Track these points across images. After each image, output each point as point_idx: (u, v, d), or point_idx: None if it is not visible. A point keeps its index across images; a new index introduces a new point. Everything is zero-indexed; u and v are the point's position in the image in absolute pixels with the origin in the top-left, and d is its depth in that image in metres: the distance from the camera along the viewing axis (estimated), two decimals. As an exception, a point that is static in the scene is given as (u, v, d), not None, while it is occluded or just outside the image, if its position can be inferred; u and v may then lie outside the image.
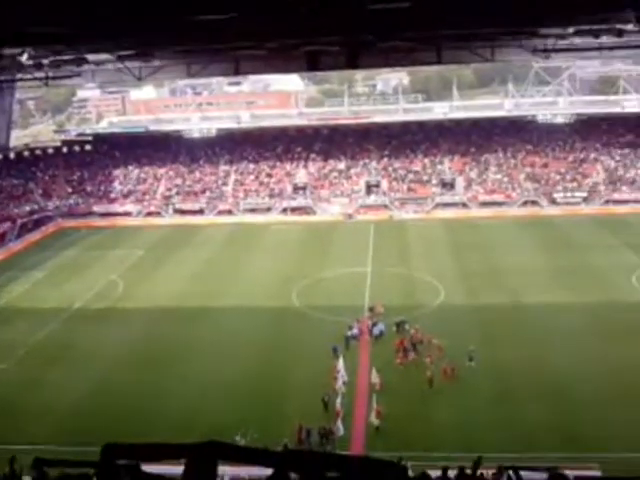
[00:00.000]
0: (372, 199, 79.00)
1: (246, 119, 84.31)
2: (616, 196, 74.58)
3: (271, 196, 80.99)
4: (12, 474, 10.58)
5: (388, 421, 29.41)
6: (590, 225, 66.62)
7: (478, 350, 35.53)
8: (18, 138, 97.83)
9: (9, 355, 39.86)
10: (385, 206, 77.57)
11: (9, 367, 38.46)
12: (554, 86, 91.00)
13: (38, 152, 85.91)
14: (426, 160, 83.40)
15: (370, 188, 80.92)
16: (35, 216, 76.62)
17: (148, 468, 6.44)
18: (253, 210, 79.71)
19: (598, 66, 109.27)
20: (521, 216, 72.11)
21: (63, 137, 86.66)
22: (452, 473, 9.87)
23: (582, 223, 67.44)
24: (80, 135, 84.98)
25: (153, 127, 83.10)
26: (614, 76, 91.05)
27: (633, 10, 29.34)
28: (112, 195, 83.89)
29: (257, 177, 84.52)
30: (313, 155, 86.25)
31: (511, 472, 7.88)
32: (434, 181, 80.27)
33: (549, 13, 29.85)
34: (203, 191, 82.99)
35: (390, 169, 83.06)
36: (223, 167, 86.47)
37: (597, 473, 21.22)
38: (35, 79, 50.92)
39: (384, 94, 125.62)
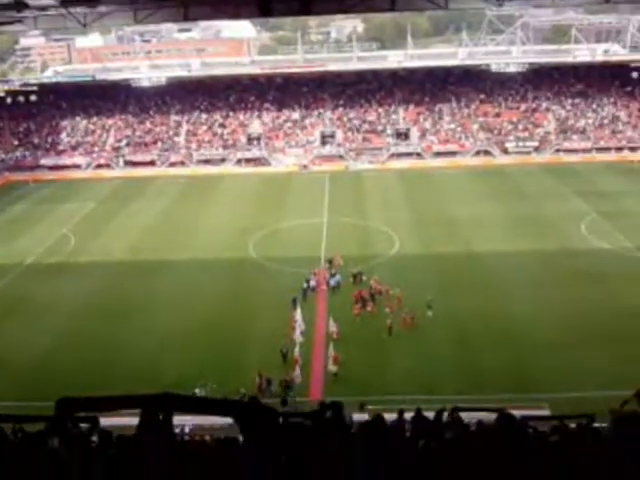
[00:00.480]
0: (327, 150, 78.63)
1: (197, 67, 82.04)
2: (566, 145, 76.03)
3: (225, 147, 79.77)
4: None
5: (346, 368, 30.09)
6: (541, 174, 67.96)
7: (435, 299, 36.29)
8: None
9: (-41, 312, 38.97)
10: (340, 157, 77.37)
11: (-40, 324, 37.67)
12: (507, 35, 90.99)
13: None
14: (380, 110, 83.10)
15: (325, 139, 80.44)
16: (-20, 170, 73.92)
17: (107, 421, 6.45)
18: (207, 161, 78.47)
19: (551, 15, 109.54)
20: (474, 166, 73.00)
21: (7, 87, 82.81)
22: (409, 416, 10.17)
23: (533, 172, 68.75)
24: (24, 85, 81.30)
25: (100, 76, 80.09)
26: (566, 25, 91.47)
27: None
28: (60, 147, 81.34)
29: (210, 128, 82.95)
30: (267, 105, 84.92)
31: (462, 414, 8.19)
32: (389, 131, 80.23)
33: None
34: (154, 142, 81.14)
35: (345, 119, 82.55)
36: (174, 117, 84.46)
37: (546, 412, 22.23)
38: (-28, 25, 48.19)
39: (338, 42, 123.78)
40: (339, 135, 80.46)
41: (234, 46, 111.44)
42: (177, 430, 17.97)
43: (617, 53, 79.92)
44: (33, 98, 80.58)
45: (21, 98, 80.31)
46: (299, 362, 30.55)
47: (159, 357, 32.23)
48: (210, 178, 72.68)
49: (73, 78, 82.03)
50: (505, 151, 76.21)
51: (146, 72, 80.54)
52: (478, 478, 4.53)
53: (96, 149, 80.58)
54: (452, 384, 28.18)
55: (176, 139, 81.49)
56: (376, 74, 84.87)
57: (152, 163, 78.34)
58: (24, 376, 30.84)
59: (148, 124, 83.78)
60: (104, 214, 60.23)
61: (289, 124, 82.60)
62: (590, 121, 79.09)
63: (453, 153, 76.87)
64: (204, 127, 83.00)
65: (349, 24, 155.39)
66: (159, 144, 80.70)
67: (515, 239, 48.18)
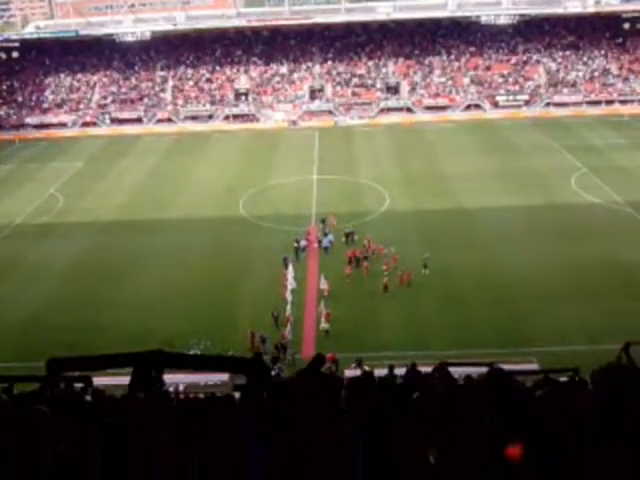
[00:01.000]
0: (316, 105, 77.77)
1: (182, 20, 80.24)
2: (557, 99, 75.55)
3: (212, 103, 78.69)
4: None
5: (338, 325, 30.33)
6: (531, 128, 67.66)
7: (430, 257, 36.39)
8: None
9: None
10: (329, 112, 76.60)
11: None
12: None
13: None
14: (370, 63, 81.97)
15: (314, 93, 79.47)
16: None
17: (100, 380, 6.52)
18: (194, 118, 77.52)
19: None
20: (464, 120, 72.52)
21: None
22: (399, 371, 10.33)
23: (524, 126, 68.42)
24: (5, 41, 79.41)
25: (84, 32, 78.29)
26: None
27: None
28: (45, 105, 79.94)
29: (196, 83, 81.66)
30: (254, 59, 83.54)
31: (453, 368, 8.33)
32: (378, 85, 79.30)
33: None
34: (140, 98, 79.88)
35: (334, 73, 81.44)
36: (160, 73, 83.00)
37: (535, 366, 22.64)
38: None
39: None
40: (328, 89, 79.48)
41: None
42: (171, 388, 18.24)
43: (609, 3, 78.79)
44: (15, 55, 78.89)
45: (2, 55, 78.59)
46: (291, 320, 30.79)
47: (150, 316, 32.32)
48: (198, 135, 71.94)
49: (56, 34, 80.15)
50: (495, 105, 75.68)
51: (130, 26, 78.77)
52: (465, 430, 4.61)
53: (81, 107, 79.29)
54: (443, 339, 28.54)
55: (162, 95, 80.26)
56: (365, 27, 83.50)
57: (139, 120, 77.28)
58: (15, 337, 30.89)
59: (133, 80, 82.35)
60: (92, 173, 59.64)
61: (277, 79, 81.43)
62: (581, 74, 78.45)
63: (443, 107, 76.25)
64: (190, 82, 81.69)
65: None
66: (145, 100, 79.48)
67: (505, 194, 48.22)
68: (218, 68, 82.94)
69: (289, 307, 31.81)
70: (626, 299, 31.51)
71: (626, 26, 76.24)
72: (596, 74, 78.26)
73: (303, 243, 40.03)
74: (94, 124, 77.26)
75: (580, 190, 48.55)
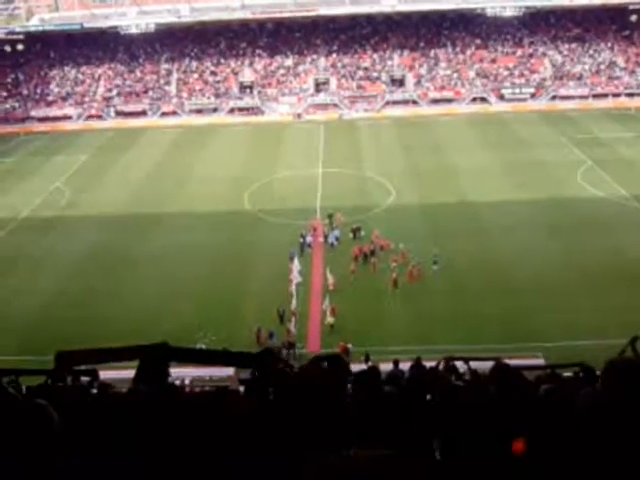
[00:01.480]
0: (321, 97, 77.60)
1: (186, 13, 79.89)
2: (562, 92, 75.18)
3: (217, 96, 78.60)
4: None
5: (344, 319, 30.29)
6: (537, 121, 67.36)
7: (430, 248, 36.35)
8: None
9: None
10: (335, 105, 76.41)
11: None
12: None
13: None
14: (375, 56, 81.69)
15: (319, 86, 79.28)
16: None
17: (106, 374, 6.54)
18: (199, 111, 77.45)
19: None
20: (470, 113, 72.27)
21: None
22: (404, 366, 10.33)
23: (529, 119, 68.10)
24: (10, 34, 79.40)
25: (88, 24, 78.20)
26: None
27: None
28: (50, 98, 79.98)
29: (201, 75, 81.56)
30: (259, 51, 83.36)
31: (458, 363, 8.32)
32: (383, 78, 79.06)
33: None
34: (145, 91, 79.85)
35: (339, 65, 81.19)
36: (164, 65, 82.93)
37: (541, 361, 22.60)
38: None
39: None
40: (333, 82, 79.26)
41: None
42: (177, 382, 18.28)
43: (616, -5, 78.19)
44: (20, 47, 78.83)
45: (7, 47, 78.58)
46: (296, 314, 30.81)
47: (156, 311, 32.39)
48: (203, 128, 71.87)
49: (60, 26, 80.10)
50: (501, 98, 75.37)
51: (134, 19, 78.62)
52: (470, 424, 4.62)
53: (86, 99, 79.32)
54: (448, 334, 28.49)
55: (167, 88, 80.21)
56: (370, 18, 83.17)
57: (143, 113, 77.29)
58: (20, 330, 31.05)
59: (138, 73, 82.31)
60: (97, 166, 59.69)
61: (282, 71, 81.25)
62: (587, 67, 78.02)
63: (449, 100, 75.98)
64: (195, 75, 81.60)
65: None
66: (150, 93, 79.46)
67: (511, 187, 48.05)
68: (223, 61, 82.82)
69: (294, 301, 31.81)
70: (632, 294, 31.38)
71: (633, 18, 75.70)
72: (602, 67, 77.82)
73: (309, 239, 39.65)
74: (99, 117, 77.30)
75: (586, 184, 48.36)
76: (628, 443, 3.72)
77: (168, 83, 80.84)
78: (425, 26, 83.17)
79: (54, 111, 77.94)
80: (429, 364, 10.92)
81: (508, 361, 6.75)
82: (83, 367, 6.15)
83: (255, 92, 78.58)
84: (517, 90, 75.71)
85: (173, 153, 63.10)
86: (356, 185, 51.07)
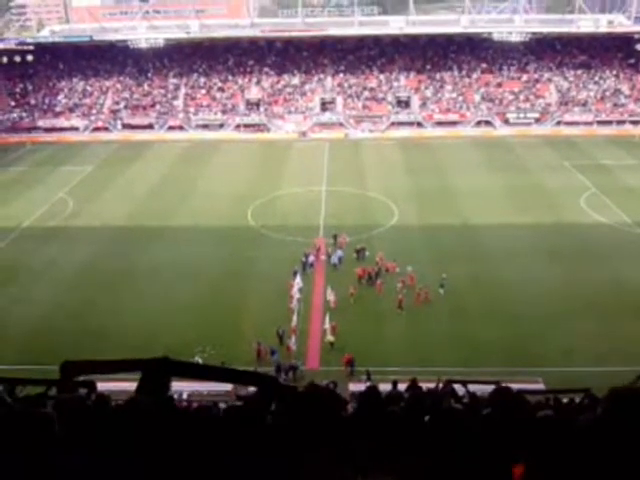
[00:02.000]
0: (327, 117, 78.03)
1: (195, 29, 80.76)
2: (567, 117, 75.55)
3: (224, 112, 79.08)
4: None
5: (344, 338, 30.16)
6: (541, 146, 67.61)
7: (431, 270, 36.29)
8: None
9: (-43, 275, 38.96)
10: (340, 124, 76.82)
11: (-42, 287, 37.67)
12: (511, 3, 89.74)
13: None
14: (382, 77, 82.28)
15: (325, 105, 79.78)
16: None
17: (105, 386, 6.53)
18: (205, 126, 77.88)
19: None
20: (475, 136, 72.60)
21: (2, 46, 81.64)
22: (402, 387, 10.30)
23: (534, 144, 68.40)
24: (21, 44, 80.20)
25: (98, 37, 78.99)
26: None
27: None
28: (57, 109, 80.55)
29: (208, 91, 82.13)
30: (266, 69, 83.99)
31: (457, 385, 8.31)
32: (389, 99, 79.55)
33: None
34: (152, 105, 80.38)
35: (345, 85, 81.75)
36: (172, 80, 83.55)
37: (540, 386, 22.50)
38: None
39: (339, 6, 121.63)
40: (339, 102, 79.75)
41: (233, 8, 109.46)
42: (175, 396, 18.23)
43: (622, 24, 78.86)
44: (30, 58, 79.57)
45: (17, 58, 79.29)
46: (296, 332, 30.74)
47: (155, 324, 32.29)
48: (208, 143, 72.22)
49: (70, 38, 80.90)
50: (506, 122, 75.75)
51: (144, 33, 79.39)
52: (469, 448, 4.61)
53: (94, 111, 79.85)
54: (448, 356, 28.37)
55: (174, 102, 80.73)
56: (377, 40, 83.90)
57: (150, 126, 77.75)
58: (20, 339, 30.93)
59: (146, 87, 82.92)
60: (102, 178, 59.92)
61: (289, 89, 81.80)
62: (592, 93, 78.47)
63: (454, 123, 76.37)
64: (202, 91, 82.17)
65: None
66: (157, 107, 79.98)
67: (514, 212, 48.10)
68: (230, 77, 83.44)
69: (295, 318, 31.75)
70: (634, 321, 31.26)
71: (638, 47, 76.24)
72: (607, 94, 78.27)
73: (311, 258, 39.15)
74: (106, 129, 77.77)
75: (589, 210, 48.42)
76: (627, 470, 3.72)
77: (175, 98, 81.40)
78: (432, 49, 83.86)
79: (61, 122, 78.47)
80: (427, 386, 10.92)
81: (508, 385, 6.75)
82: (81, 378, 6.16)
83: (261, 109, 79.07)
84: (522, 115, 76.12)
85: (178, 167, 63.33)
86: (359, 205, 51.18)
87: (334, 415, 4.56)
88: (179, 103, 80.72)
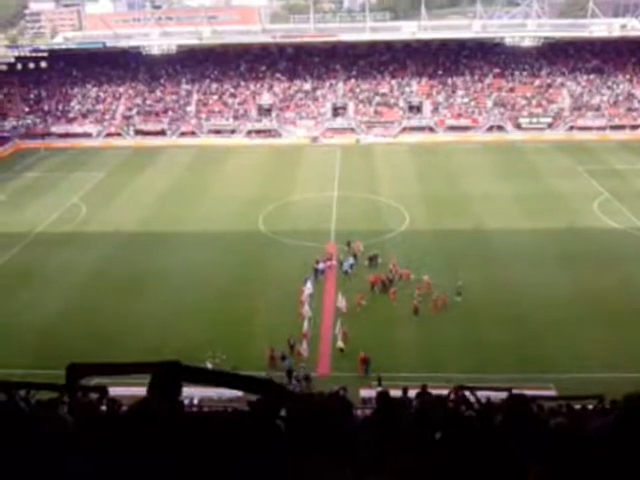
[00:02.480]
0: (338, 122, 78.07)
1: (207, 35, 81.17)
2: (580, 122, 75.10)
3: (235, 117, 79.36)
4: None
5: (355, 344, 30.02)
6: (554, 151, 67.23)
7: (443, 275, 36.11)
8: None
9: (-29, 279, 39.30)
10: (352, 129, 76.85)
11: (-29, 292, 37.97)
12: (523, 7, 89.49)
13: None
14: (393, 82, 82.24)
15: (337, 110, 79.83)
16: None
17: (116, 390, 6.52)
18: (217, 132, 78.18)
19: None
20: (487, 141, 72.35)
21: (17, 53, 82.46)
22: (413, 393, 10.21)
23: (546, 149, 68.03)
24: (35, 51, 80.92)
25: (111, 43, 79.55)
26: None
27: None
28: (71, 115, 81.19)
29: (220, 97, 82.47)
30: (278, 75, 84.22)
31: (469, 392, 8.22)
32: (401, 104, 79.49)
33: None
34: (165, 111, 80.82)
35: (357, 90, 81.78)
36: (185, 86, 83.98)
37: (552, 392, 22.32)
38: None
39: (351, 11, 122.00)
40: (351, 107, 79.80)
41: (245, 14, 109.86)
42: (186, 401, 18.24)
43: (635, 28, 78.32)
44: (43, 65, 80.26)
45: (31, 64, 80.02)
46: (308, 336, 30.70)
47: (166, 328, 32.41)
48: (220, 149, 72.47)
49: (83, 45, 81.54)
50: (518, 127, 75.42)
51: (156, 39, 79.90)
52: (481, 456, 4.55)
53: (107, 117, 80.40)
54: (459, 362, 28.23)
55: (187, 108, 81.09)
56: (389, 45, 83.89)
57: (162, 133, 78.16)
58: (32, 344, 31.12)
59: (158, 93, 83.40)
60: (115, 184, 60.28)
61: (300, 95, 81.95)
62: (605, 98, 77.99)
63: (466, 128, 76.16)
64: (214, 97, 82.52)
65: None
66: (169, 113, 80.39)
67: (526, 217, 47.84)
68: (242, 83, 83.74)
69: (306, 323, 31.71)
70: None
71: (652, 51, 75.78)
72: (620, 99, 77.76)
73: (322, 266, 38.81)
74: (118, 135, 78.26)
75: (602, 215, 48.07)
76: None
77: (188, 104, 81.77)
78: (444, 54, 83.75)
79: (74, 128, 79.06)
80: (438, 392, 10.84)
81: (518, 392, 6.67)
82: (92, 383, 6.16)
83: (273, 115, 79.26)
84: (534, 120, 75.76)
85: (190, 173, 63.60)
86: (371, 210, 51.12)
87: (338, 421, 4.52)
88: (191, 109, 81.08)
